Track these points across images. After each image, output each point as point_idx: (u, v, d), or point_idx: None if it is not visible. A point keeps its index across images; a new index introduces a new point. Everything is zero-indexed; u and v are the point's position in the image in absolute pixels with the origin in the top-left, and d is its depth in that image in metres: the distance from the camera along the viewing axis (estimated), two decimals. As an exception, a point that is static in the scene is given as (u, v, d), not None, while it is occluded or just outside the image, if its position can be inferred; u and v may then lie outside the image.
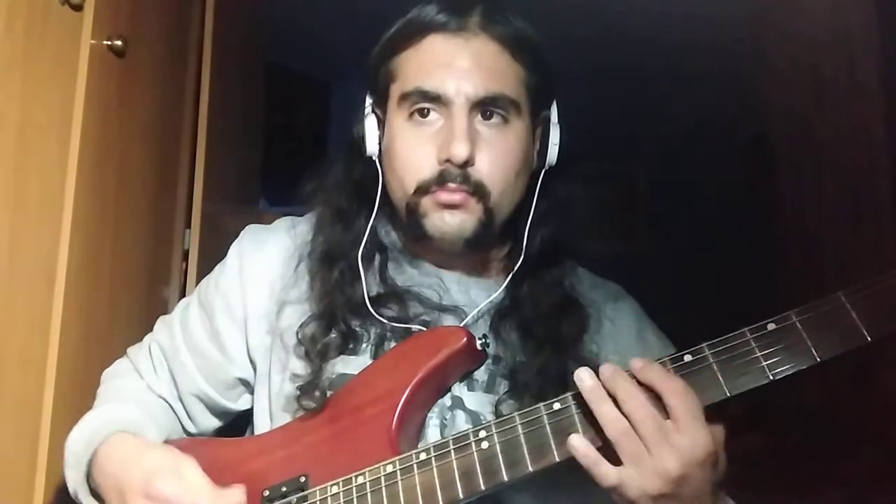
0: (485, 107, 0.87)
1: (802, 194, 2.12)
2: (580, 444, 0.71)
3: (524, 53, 0.89)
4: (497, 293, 0.92)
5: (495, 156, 0.87)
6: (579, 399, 0.74)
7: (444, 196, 0.86)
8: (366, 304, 0.89)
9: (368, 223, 0.92)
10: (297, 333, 0.89)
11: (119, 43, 1.16)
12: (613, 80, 2.73)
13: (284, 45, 2.53)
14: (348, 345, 0.89)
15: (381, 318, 0.88)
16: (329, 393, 0.86)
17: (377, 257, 0.94)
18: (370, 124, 0.92)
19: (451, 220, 0.87)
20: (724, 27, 2.30)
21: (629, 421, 0.70)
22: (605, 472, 0.70)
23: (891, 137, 1.63)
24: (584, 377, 0.73)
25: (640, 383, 0.72)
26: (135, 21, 1.26)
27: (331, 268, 0.91)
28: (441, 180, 0.86)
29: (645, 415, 0.70)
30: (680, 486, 0.69)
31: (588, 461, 0.70)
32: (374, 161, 0.92)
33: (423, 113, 0.87)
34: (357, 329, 0.90)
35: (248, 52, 1.97)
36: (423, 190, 0.87)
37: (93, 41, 1.10)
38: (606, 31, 2.54)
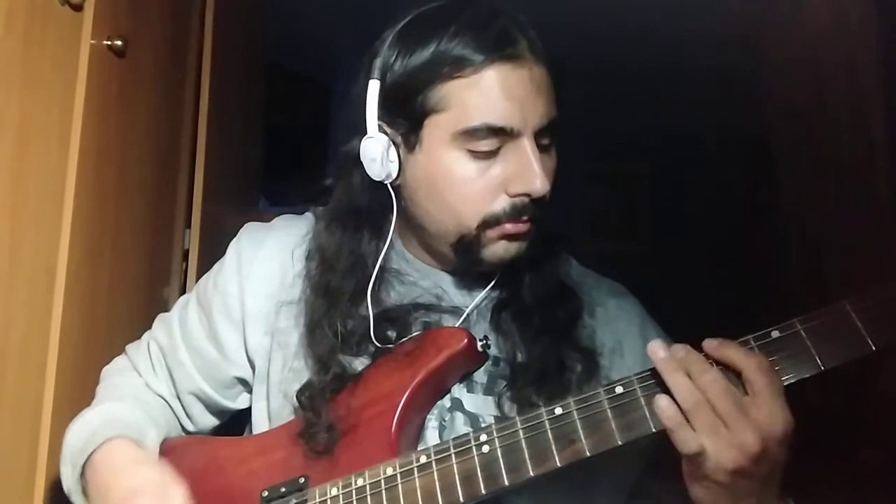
0: (541, 133, 0.84)
1: (802, 194, 2.12)
2: (666, 406, 0.69)
3: (555, 69, 0.87)
4: (490, 285, 0.92)
5: (550, 180, 0.85)
6: (580, 402, 0.74)
7: (512, 227, 0.85)
8: (371, 338, 0.87)
9: (378, 256, 0.89)
10: (299, 398, 0.87)
11: (119, 43, 1.16)
12: (613, 79, 2.73)
13: (284, 45, 2.52)
14: (348, 380, 0.87)
15: (383, 346, 0.87)
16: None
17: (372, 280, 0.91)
18: (382, 147, 0.86)
19: (511, 248, 0.87)
20: (724, 27, 2.30)
21: (705, 396, 0.68)
22: (687, 437, 0.68)
23: (891, 137, 1.63)
24: (656, 348, 0.71)
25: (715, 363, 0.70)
26: (135, 21, 1.26)
27: (333, 303, 0.89)
28: (515, 214, 0.84)
29: (721, 388, 0.68)
30: (757, 463, 0.67)
31: (672, 423, 0.68)
32: (387, 186, 0.88)
33: (490, 149, 0.83)
34: (354, 364, 0.88)
35: (248, 52, 1.97)
36: (489, 223, 0.84)
37: (93, 41, 1.10)
38: (605, 30, 2.54)
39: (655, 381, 0.72)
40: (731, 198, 3.01)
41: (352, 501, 0.79)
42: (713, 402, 0.68)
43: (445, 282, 0.94)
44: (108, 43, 1.15)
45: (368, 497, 0.78)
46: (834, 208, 1.91)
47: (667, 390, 0.71)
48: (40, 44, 1.00)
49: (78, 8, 1.06)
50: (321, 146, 3.12)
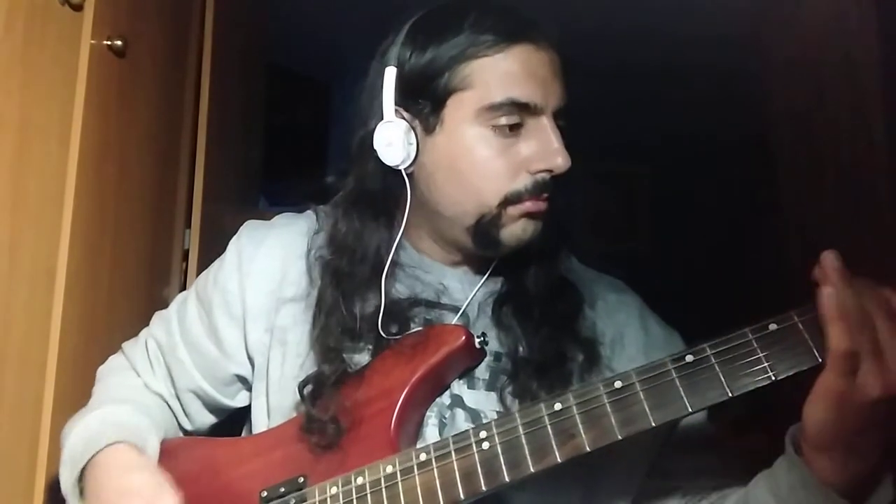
0: (558, 116, 0.86)
1: (802, 194, 2.12)
2: (836, 266, 0.66)
3: (565, 61, 0.89)
4: (486, 276, 0.93)
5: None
6: (580, 398, 0.74)
7: (533, 205, 0.86)
8: (378, 329, 0.87)
9: (392, 245, 0.89)
10: (302, 389, 0.86)
11: (119, 43, 1.16)
12: (613, 79, 2.73)
13: (284, 45, 2.52)
14: (351, 373, 0.87)
15: (388, 338, 0.87)
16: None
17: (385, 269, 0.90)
18: (401, 131, 0.87)
19: (528, 227, 0.87)
20: (724, 27, 2.30)
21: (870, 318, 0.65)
22: (844, 333, 0.64)
23: (891, 137, 1.63)
24: (829, 293, 0.66)
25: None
26: (135, 21, 1.27)
27: (348, 292, 0.89)
28: (537, 191, 0.85)
29: (885, 314, 0.65)
30: (890, 412, 0.65)
31: (837, 311, 0.65)
32: (401, 173, 0.88)
33: (511, 123, 0.84)
34: (358, 358, 0.88)
35: (248, 52, 1.97)
36: (511, 201, 0.85)
37: (93, 41, 1.10)
38: (605, 29, 2.54)
39: (654, 377, 0.73)
40: (731, 198, 3.01)
41: (352, 500, 0.79)
42: (878, 325, 0.65)
43: (448, 277, 0.94)
44: (108, 43, 1.15)
45: (368, 495, 0.78)
46: (834, 208, 1.90)
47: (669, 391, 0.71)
48: (40, 44, 1.00)
49: (78, 8, 1.06)
50: (321, 146, 3.12)
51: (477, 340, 0.87)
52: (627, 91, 2.89)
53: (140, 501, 0.79)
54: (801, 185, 2.13)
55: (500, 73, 0.85)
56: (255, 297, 0.94)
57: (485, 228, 0.87)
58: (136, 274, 1.33)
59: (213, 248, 1.43)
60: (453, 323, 0.90)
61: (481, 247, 0.90)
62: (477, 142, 0.85)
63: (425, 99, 0.87)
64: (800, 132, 2.12)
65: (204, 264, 1.48)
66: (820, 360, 0.69)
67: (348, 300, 0.88)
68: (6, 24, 0.93)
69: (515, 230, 0.87)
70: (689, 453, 0.90)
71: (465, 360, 0.88)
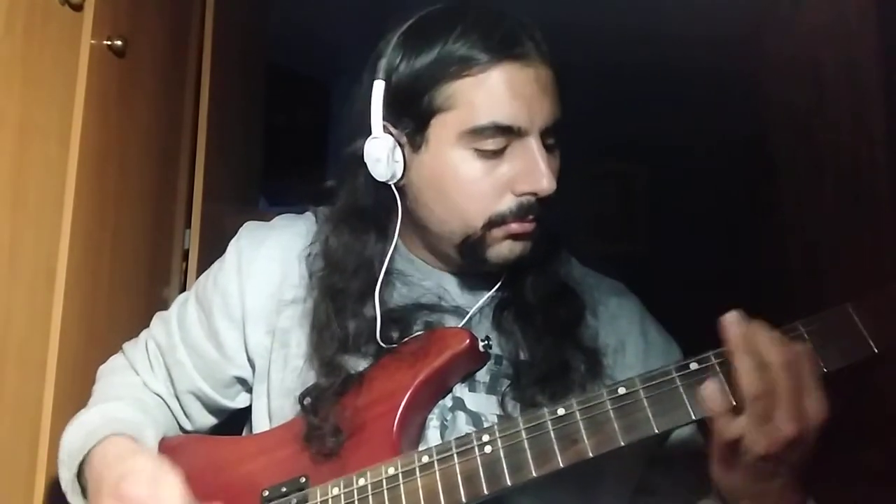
0: (547, 133, 0.85)
1: (802, 194, 2.12)
2: (715, 394, 0.68)
3: (558, 71, 0.87)
4: (494, 289, 0.92)
5: (555, 180, 0.85)
6: (583, 403, 0.74)
7: (518, 227, 0.85)
8: (376, 339, 0.87)
9: (385, 257, 0.89)
10: (302, 401, 0.86)
11: (119, 43, 1.16)
12: (613, 79, 2.73)
13: (284, 45, 2.52)
14: (352, 381, 0.87)
15: (388, 347, 0.87)
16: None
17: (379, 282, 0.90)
18: (387, 148, 0.86)
19: (515, 248, 0.87)
20: (724, 27, 2.30)
21: (773, 383, 0.66)
22: (730, 424, 0.67)
23: (891, 137, 1.63)
24: (732, 322, 0.68)
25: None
26: (135, 21, 1.26)
27: (341, 304, 0.88)
28: (521, 213, 0.84)
29: (791, 382, 0.66)
30: (791, 450, 0.67)
31: (719, 410, 0.68)
32: (391, 187, 0.88)
33: (496, 149, 0.83)
34: (358, 365, 0.88)
35: (248, 52, 1.97)
36: (495, 223, 0.85)
37: (93, 41, 1.09)
38: (605, 30, 2.54)
39: (658, 384, 0.73)
40: (731, 198, 3.00)
41: (353, 501, 0.79)
42: (779, 392, 0.66)
43: (448, 282, 0.94)
44: (108, 43, 1.15)
45: (370, 497, 0.78)
46: (834, 208, 1.90)
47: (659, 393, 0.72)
48: (40, 44, 0.99)
49: (78, 8, 1.06)
50: (321, 146, 3.12)
51: (481, 344, 0.87)
52: (626, 91, 2.89)
53: (143, 481, 0.78)
54: (800, 185, 2.13)
55: (483, 94, 0.83)
56: (256, 300, 0.94)
57: (471, 248, 0.87)
58: (136, 274, 1.33)
59: (213, 248, 1.43)
60: (456, 326, 0.89)
61: (470, 264, 0.90)
62: (460, 164, 0.84)
63: (410, 118, 0.86)
64: (799, 132, 2.12)
65: (204, 264, 1.48)
66: (825, 370, 0.69)
67: (342, 315, 0.88)
68: (6, 24, 0.92)
69: (502, 250, 0.87)
70: (674, 469, 0.89)
71: (469, 364, 0.88)
